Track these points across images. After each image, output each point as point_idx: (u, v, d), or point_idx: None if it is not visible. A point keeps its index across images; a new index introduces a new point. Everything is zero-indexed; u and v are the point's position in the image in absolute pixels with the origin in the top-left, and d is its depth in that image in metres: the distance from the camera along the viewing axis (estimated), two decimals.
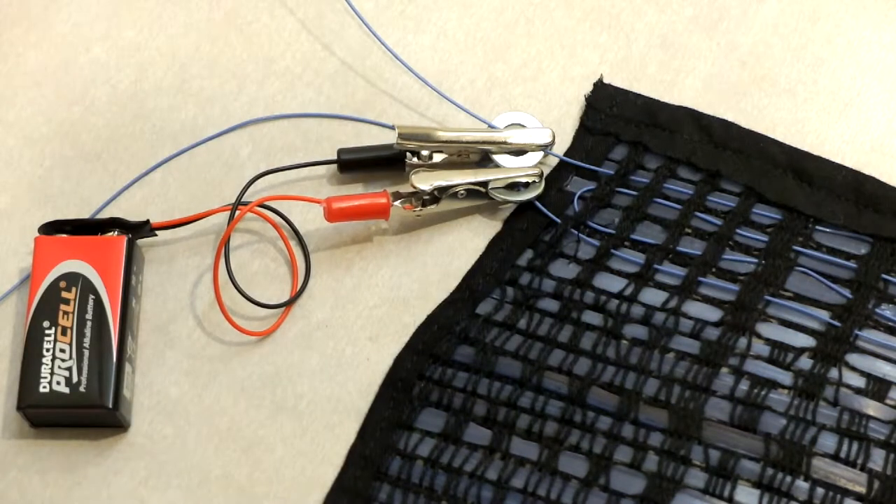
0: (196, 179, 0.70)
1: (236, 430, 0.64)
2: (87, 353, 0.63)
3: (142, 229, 0.67)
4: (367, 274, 0.67)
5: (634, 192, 0.68)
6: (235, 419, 0.64)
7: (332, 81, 0.72)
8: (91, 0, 0.74)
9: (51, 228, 0.66)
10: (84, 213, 0.69)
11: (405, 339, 0.65)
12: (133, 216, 0.67)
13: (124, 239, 0.65)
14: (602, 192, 0.68)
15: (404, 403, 0.64)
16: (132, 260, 0.65)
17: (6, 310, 0.67)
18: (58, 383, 0.63)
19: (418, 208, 0.67)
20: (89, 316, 0.64)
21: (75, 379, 0.63)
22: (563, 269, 0.67)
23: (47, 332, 0.63)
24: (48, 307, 0.64)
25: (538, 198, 0.68)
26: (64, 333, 0.63)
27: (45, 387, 0.63)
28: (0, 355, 0.66)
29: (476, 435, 0.63)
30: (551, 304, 0.65)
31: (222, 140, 0.71)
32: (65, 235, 0.66)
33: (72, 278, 0.64)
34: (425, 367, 0.64)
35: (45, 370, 0.63)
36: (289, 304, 0.67)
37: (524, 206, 0.68)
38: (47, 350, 0.63)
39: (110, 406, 0.62)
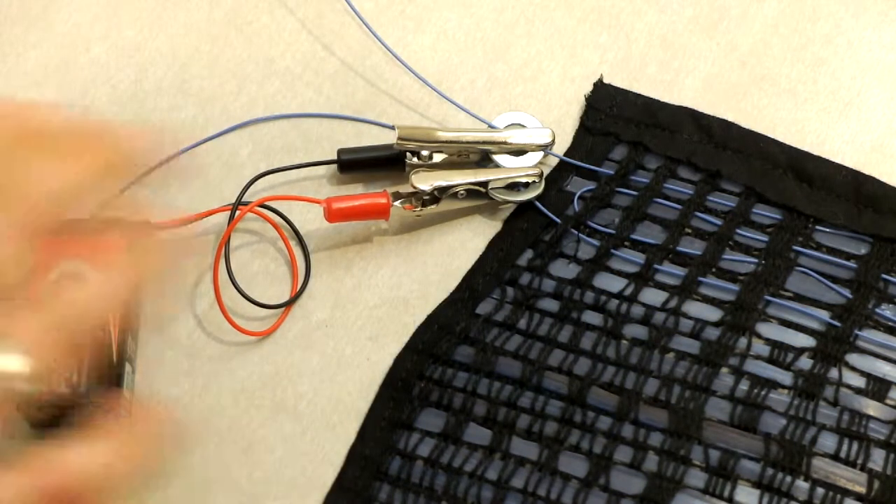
0: (196, 179, 0.70)
1: (236, 430, 0.64)
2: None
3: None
4: (367, 274, 0.67)
5: (634, 192, 0.68)
6: (235, 419, 0.64)
7: (332, 81, 0.72)
8: (91, 0, 0.74)
9: None
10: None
11: (405, 339, 0.65)
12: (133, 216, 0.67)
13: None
14: (602, 192, 0.68)
15: (404, 403, 0.64)
16: None
17: None
18: (58, 383, 0.62)
19: (418, 208, 0.67)
20: None
21: (75, 379, 0.63)
22: (563, 269, 0.67)
23: None
24: None
25: (538, 198, 0.68)
26: None
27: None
28: None
29: (476, 435, 0.63)
30: (551, 304, 0.65)
31: (222, 140, 0.71)
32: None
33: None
34: (425, 367, 0.64)
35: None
36: (289, 304, 0.66)
37: (524, 206, 0.68)
38: None
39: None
